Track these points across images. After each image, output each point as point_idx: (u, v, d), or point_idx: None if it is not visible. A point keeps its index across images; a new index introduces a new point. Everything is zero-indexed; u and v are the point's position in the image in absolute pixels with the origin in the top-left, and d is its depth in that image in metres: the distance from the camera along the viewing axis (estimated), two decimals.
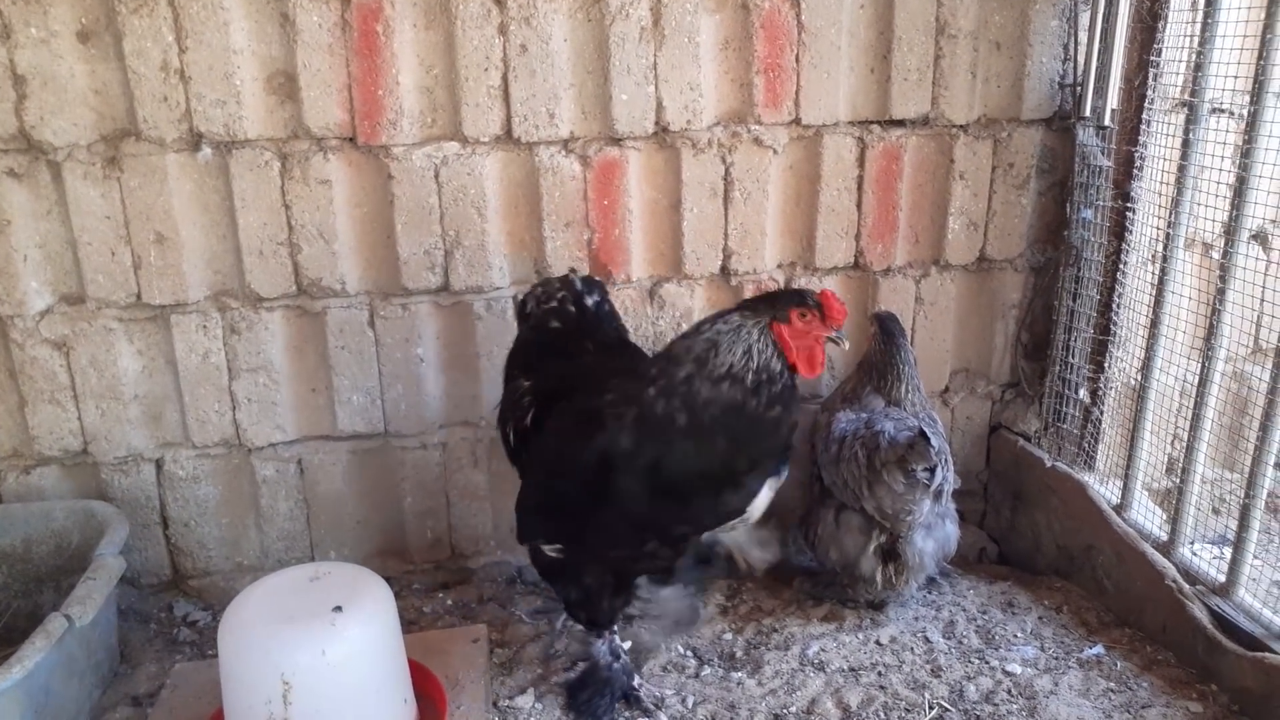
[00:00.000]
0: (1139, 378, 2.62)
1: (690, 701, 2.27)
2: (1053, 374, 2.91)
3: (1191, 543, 2.51)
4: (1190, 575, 2.41)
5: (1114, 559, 2.58)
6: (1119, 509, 2.64)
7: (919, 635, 2.53)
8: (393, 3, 2.45)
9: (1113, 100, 2.59)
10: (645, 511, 1.93)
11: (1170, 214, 2.45)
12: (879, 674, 2.37)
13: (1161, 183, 2.52)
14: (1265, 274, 2.57)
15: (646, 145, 2.67)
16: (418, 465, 2.83)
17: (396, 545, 2.87)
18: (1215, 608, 2.30)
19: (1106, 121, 2.60)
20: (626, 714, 2.25)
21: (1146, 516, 2.60)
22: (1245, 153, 2.18)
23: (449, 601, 2.82)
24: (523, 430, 2.27)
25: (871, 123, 2.74)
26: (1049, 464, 2.83)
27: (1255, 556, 2.34)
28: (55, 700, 2.16)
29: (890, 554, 2.51)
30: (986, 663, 2.41)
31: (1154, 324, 2.54)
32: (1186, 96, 2.40)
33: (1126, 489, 2.65)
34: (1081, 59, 2.68)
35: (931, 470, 2.36)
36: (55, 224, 2.52)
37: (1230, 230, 2.26)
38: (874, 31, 2.67)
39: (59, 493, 2.72)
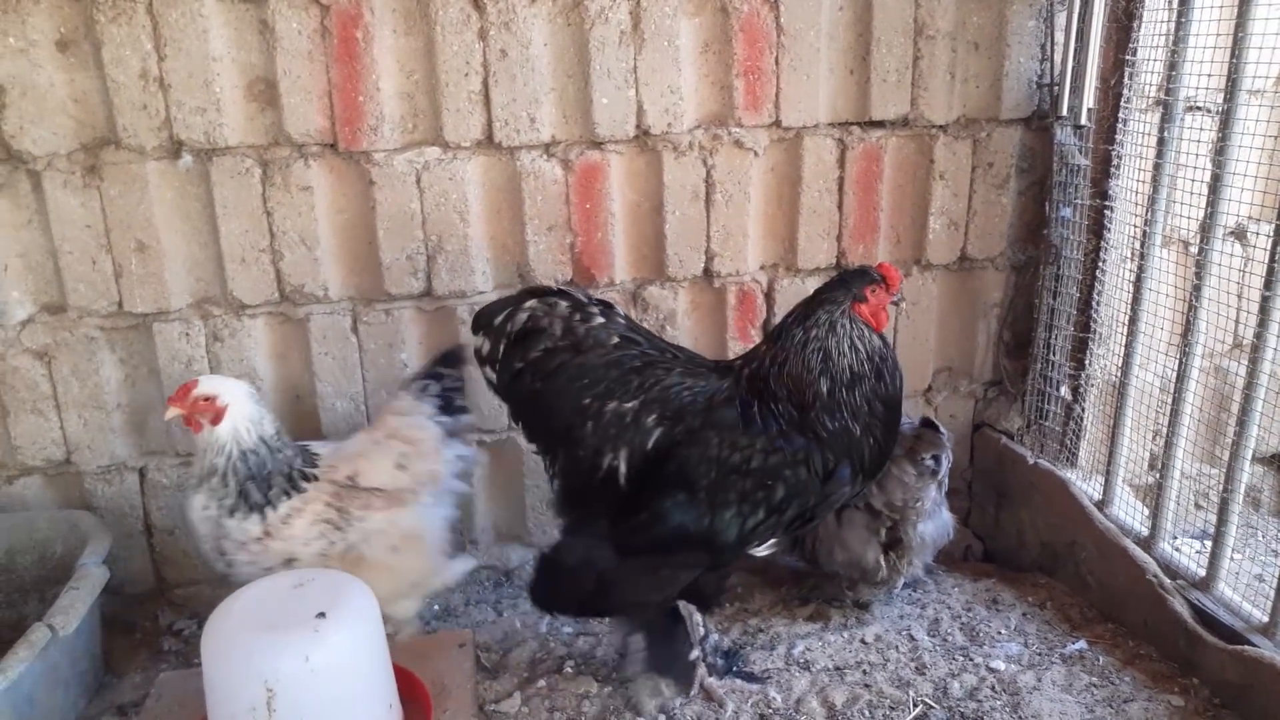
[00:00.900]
0: (1119, 374, 2.64)
1: (677, 700, 2.28)
2: (1034, 372, 2.93)
3: (1173, 538, 2.53)
4: (1171, 570, 2.43)
5: (1096, 555, 2.60)
6: (1101, 505, 2.66)
7: (904, 634, 2.54)
8: (372, 9, 2.45)
9: (1089, 99, 2.61)
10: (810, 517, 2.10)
11: (1148, 211, 2.48)
12: (864, 672, 2.38)
13: (1139, 180, 2.55)
14: (1243, 270, 2.61)
15: (628, 148, 2.68)
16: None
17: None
18: (1196, 602, 2.32)
19: (1083, 120, 2.62)
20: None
21: (1128, 512, 2.62)
22: (1220, 150, 2.21)
23: (435, 606, 2.82)
24: (642, 458, 2.07)
25: (851, 124, 2.76)
26: (1032, 461, 2.85)
27: (1235, 551, 2.36)
28: (40, 710, 2.15)
29: (891, 543, 2.55)
30: (971, 660, 2.42)
31: (1133, 321, 2.56)
32: (1162, 95, 2.42)
33: (1108, 485, 2.67)
34: (1058, 59, 2.71)
35: (938, 458, 2.44)
36: (35, 233, 2.52)
37: (1207, 227, 2.28)
38: (853, 33, 2.69)
39: (42, 503, 2.71)
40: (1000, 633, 2.54)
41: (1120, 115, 2.57)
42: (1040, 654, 2.43)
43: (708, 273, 2.82)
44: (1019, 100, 2.80)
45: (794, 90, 2.68)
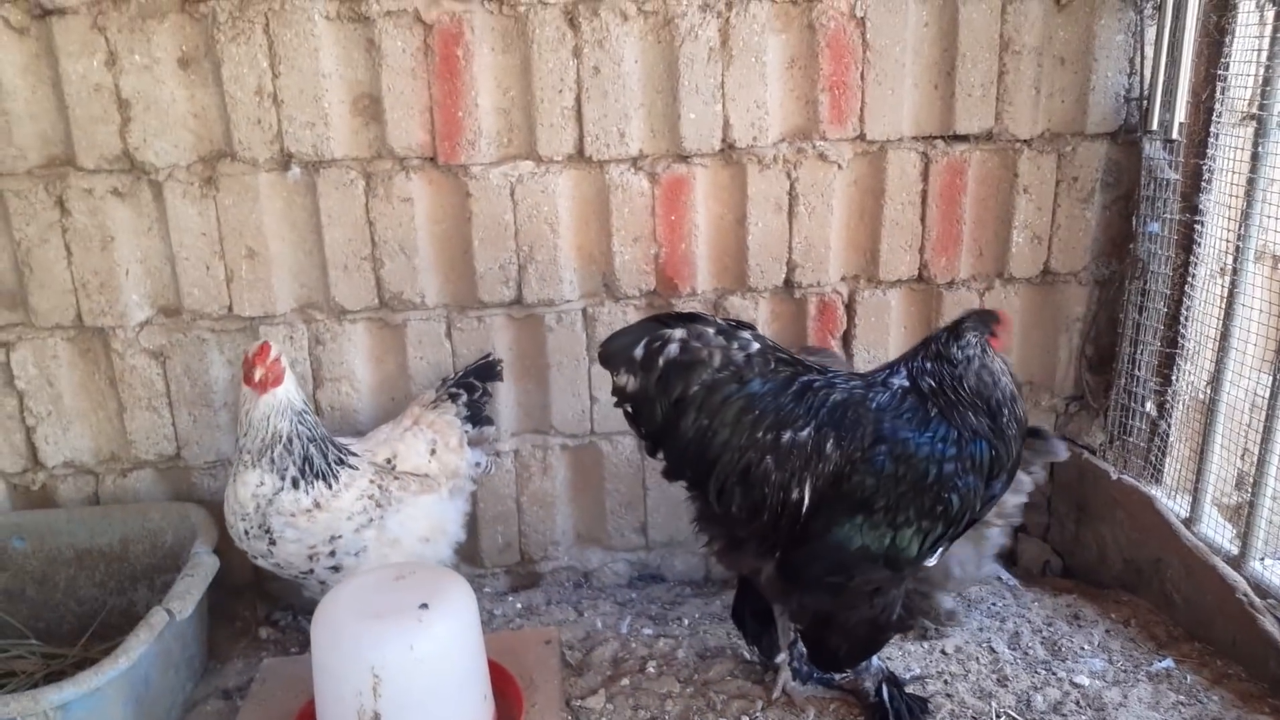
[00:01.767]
0: (1208, 391, 2.61)
1: (759, 705, 2.32)
2: (1118, 387, 2.91)
3: (1262, 559, 2.49)
4: (1262, 589, 2.39)
5: (1183, 572, 2.57)
6: (1188, 523, 2.63)
7: (984, 645, 2.55)
8: (472, 28, 2.56)
9: (1180, 113, 2.60)
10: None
11: (1240, 226, 2.45)
12: (945, 682, 2.39)
13: (1230, 195, 2.53)
14: None
15: (713, 162, 2.75)
16: (494, 466, 2.92)
17: (468, 549, 2.95)
18: None
19: (1174, 135, 2.61)
20: None
21: (1216, 530, 2.59)
22: None
23: (519, 604, 2.91)
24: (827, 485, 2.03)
25: (935, 138, 2.78)
26: (1115, 477, 2.83)
27: None
28: (154, 691, 2.28)
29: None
30: (1054, 674, 2.42)
31: (1224, 337, 2.54)
32: (1255, 109, 2.40)
33: (1196, 502, 2.64)
34: (1148, 73, 2.69)
35: (1050, 465, 2.59)
36: (155, 240, 2.68)
37: None
38: (938, 49, 2.72)
39: (153, 495, 2.86)
40: (1083, 648, 2.52)
41: (1212, 130, 2.55)
42: (1126, 671, 2.42)
43: (788, 283, 2.87)
44: (1105, 115, 2.79)
45: (878, 104, 2.72)
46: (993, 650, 2.52)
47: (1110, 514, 2.86)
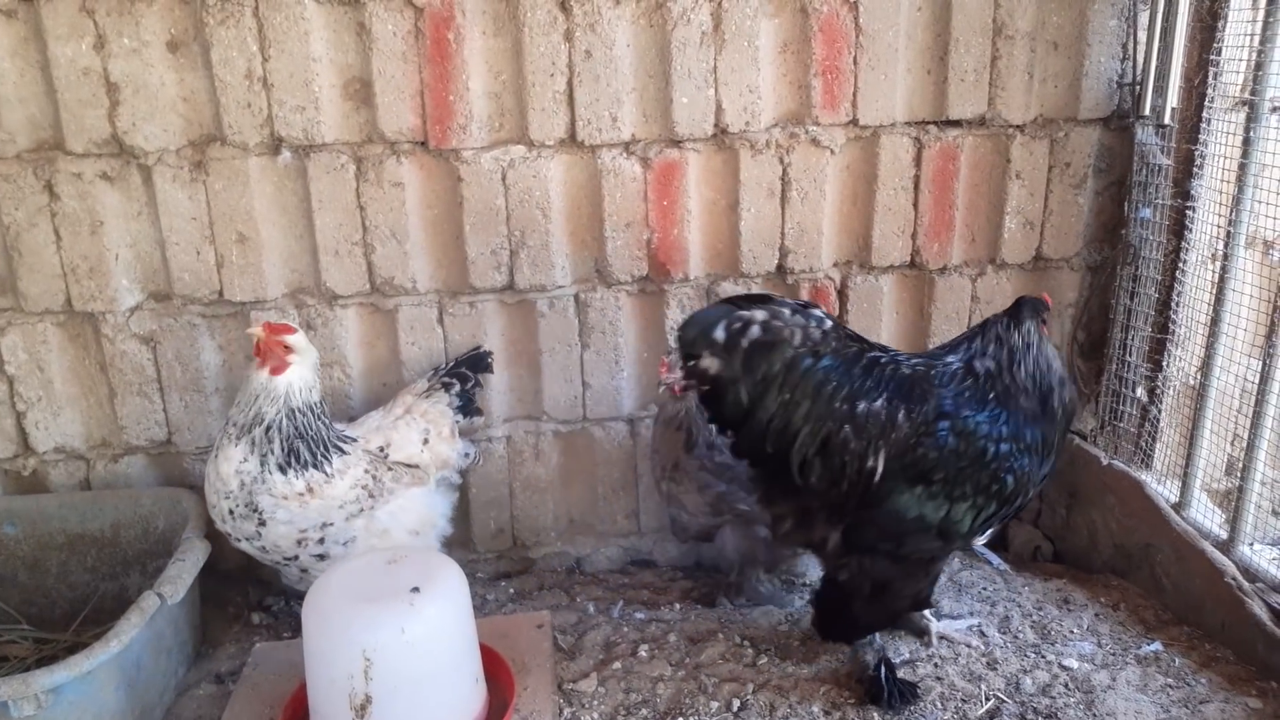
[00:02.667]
0: (1198, 377, 2.62)
1: (749, 688, 2.33)
2: (1109, 373, 2.92)
3: (1251, 543, 2.50)
4: (1250, 573, 2.41)
5: (1173, 557, 2.58)
6: (1177, 508, 2.64)
7: (974, 629, 2.56)
8: (464, 11, 2.55)
9: (1173, 99, 2.60)
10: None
11: (1231, 212, 2.46)
12: (935, 665, 2.40)
13: (1222, 181, 2.53)
14: None
15: (706, 147, 2.74)
16: (482, 457, 2.92)
17: (461, 534, 2.96)
18: (1276, 605, 2.30)
19: (1166, 120, 2.61)
20: None
21: (1206, 515, 2.60)
22: None
23: (511, 590, 2.91)
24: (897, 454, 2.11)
25: (928, 123, 2.78)
26: (1105, 462, 2.84)
27: None
28: (146, 674, 2.28)
29: None
30: (1043, 657, 2.43)
31: (1214, 323, 2.54)
32: (1247, 95, 2.40)
33: (1185, 488, 2.65)
34: (1141, 58, 2.69)
35: None
36: (145, 225, 2.66)
37: None
38: (931, 34, 2.71)
39: (144, 481, 2.86)
40: (1073, 632, 2.54)
41: (1204, 115, 2.55)
42: (1114, 654, 2.43)
43: (781, 269, 2.86)
44: (1098, 100, 2.79)
45: (871, 89, 2.72)
46: (983, 634, 2.53)
47: (1101, 499, 2.87)
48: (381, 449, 2.55)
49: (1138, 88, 2.71)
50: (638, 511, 3.05)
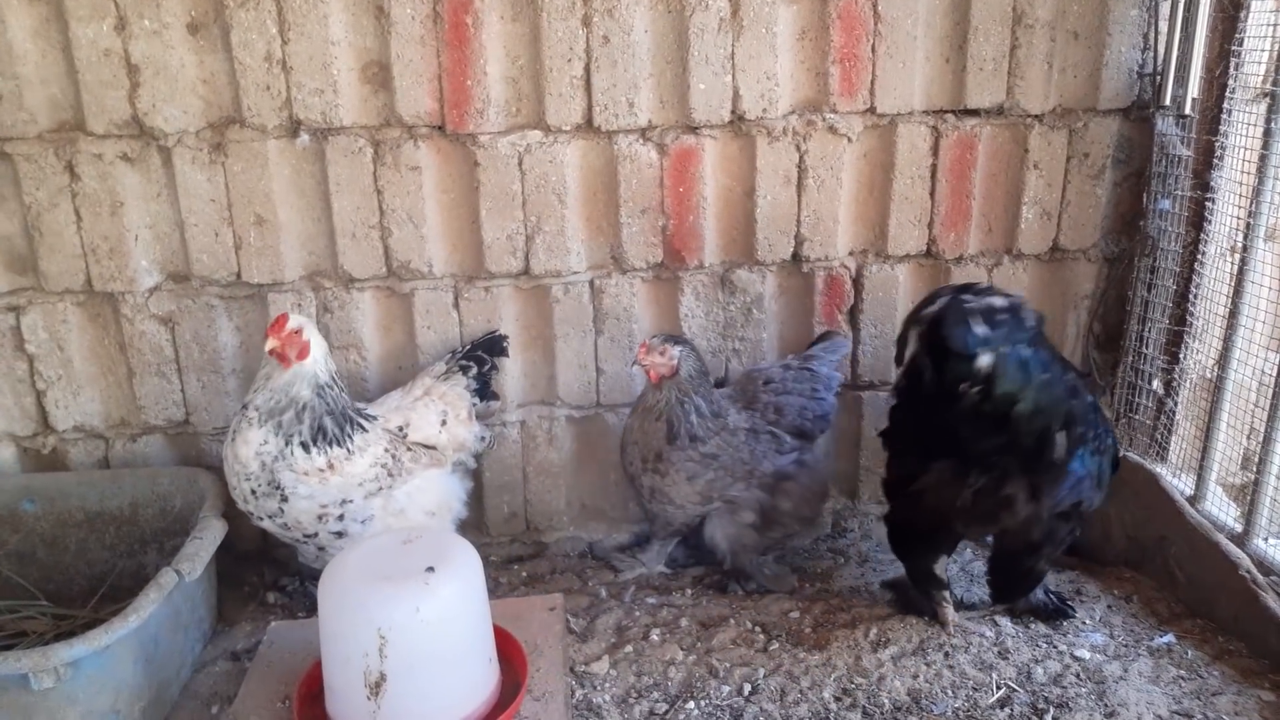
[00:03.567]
0: (1215, 370, 2.60)
1: (761, 673, 2.34)
2: (1125, 365, 2.91)
3: (1266, 537, 2.49)
4: (1265, 567, 2.40)
5: (1187, 550, 2.57)
6: (1192, 501, 2.63)
7: (986, 619, 2.56)
8: None
9: (1193, 89, 2.58)
10: None
11: (1251, 204, 2.44)
12: (946, 654, 2.41)
13: (1242, 172, 2.51)
14: None
15: (722, 133, 2.74)
16: (496, 441, 2.94)
17: (474, 518, 2.98)
18: None
19: (1187, 110, 2.59)
20: None
21: (1221, 509, 2.59)
22: None
23: (524, 574, 2.93)
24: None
25: (946, 112, 2.77)
26: (1120, 454, 2.82)
27: None
28: (163, 650, 2.31)
29: None
30: (1055, 647, 2.43)
31: (1232, 315, 2.53)
32: (1269, 86, 2.38)
33: (1201, 481, 2.64)
34: (1162, 48, 2.67)
35: None
36: (164, 206, 2.68)
37: None
38: (950, 21, 2.70)
39: (162, 460, 2.89)
40: (1085, 623, 2.53)
41: (1225, 106, 2.53)
42: (1126, 645, 2.43)
43: (796, 257, 2.86)
44: (1118, 90, 2.77)
45: (889, 77, 2.71)
46: (995, 624, 2.53)
47: (1115, 492, 2.84)
48: (400, 429, 2.57)
49: (1158, 78, 2.69)
50: None
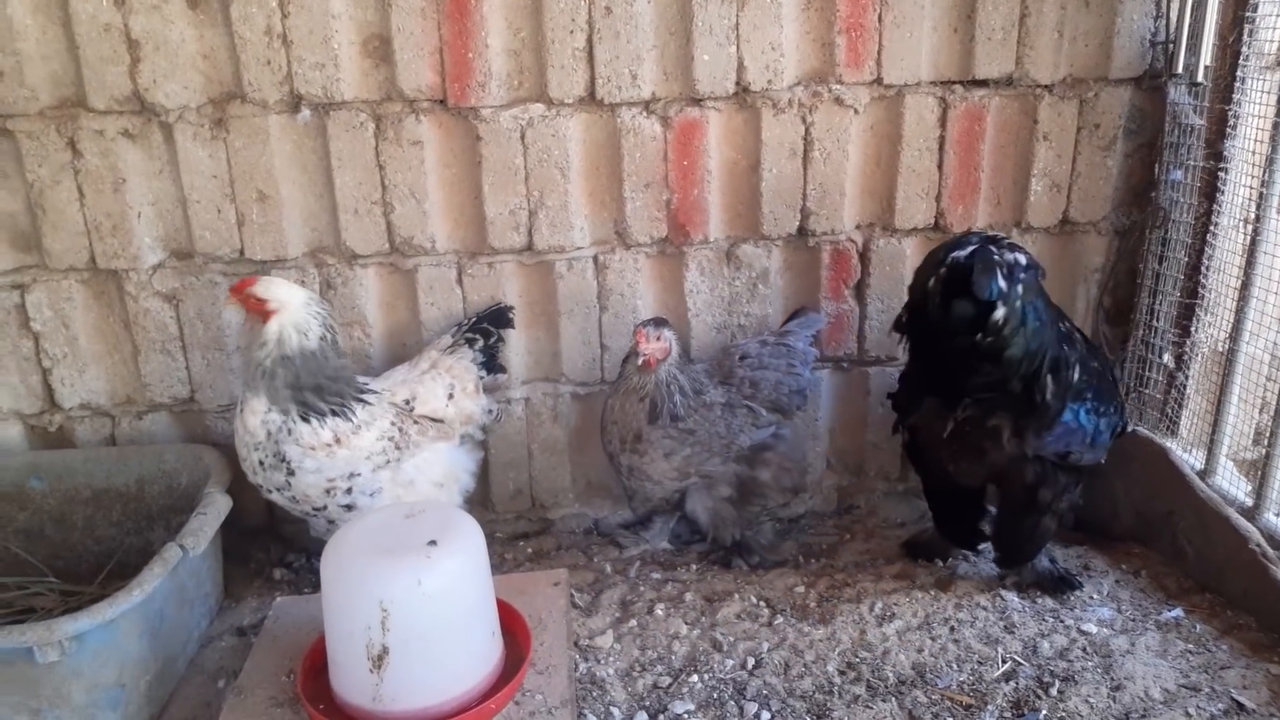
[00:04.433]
0: (1227, 343, 2.57)
1: (765, 647, 2.33)
2: (1135, 339, 2.87)
3: (1277, 512, 2.47)
4: (1275, 540, 2.37)
5: (1196, 524, 2.55)
6: (1203, 475, 2.61)
7: (992, 594, 2.55)
8: None
9: (1206, 57, 2.53)
10: None
11: (1265, 174, 2.40)
12: (951, 628, 2.40)
13: (1256, 141, 2.47)
14: None
15: (727, 106, 2.71)
16: (504, 414, 2.93)
17: (480, 494, 2.98)
18: None
19: (1200, 79, 2.55)
20: None
21: (1231, 483, 2.57)
22: None
23: (529, 550, 2.93)
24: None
25: (954, 83, 2.73)
26: (1130, 429, 2.80)
27: None
28: (169, 625, 2.32)
29: None
30: (1061, 622, 2.41)
31: (1245, 288, 2.49)
32: None
33: (1211, 455, 2.61)
34: (1174, 15, 2.62)
35: None
36: (166, 183, 2.67)
37: None
38: None
39: (168, 438, 2.90)
40: (1092, 597, 2.52)
41: (1238, 74, 2.49)
42: (1134, 620, 2.41)
43: (802, 231, 2.84)
44: (1130, 59, 2.72)
45: (896, 47, 2.67)
46: (1001, 598, 2.52)
47: (1124, 466, 2.83)
48: (407, 402, 2.57)
49: (1170, 46, 2.64)
50: None
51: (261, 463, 2.39)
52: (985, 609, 2.48)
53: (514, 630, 2.24)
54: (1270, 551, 2.33)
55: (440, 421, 2.61)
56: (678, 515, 2.87)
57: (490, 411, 2.77)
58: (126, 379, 2.84)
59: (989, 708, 2.12)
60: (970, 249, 2.21)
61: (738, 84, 2.67)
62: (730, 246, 2.86)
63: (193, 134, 2.61)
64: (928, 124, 2.74)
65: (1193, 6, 2.55)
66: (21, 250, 2.71)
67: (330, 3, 2.52)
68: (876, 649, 2.32)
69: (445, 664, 1.98)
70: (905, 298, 2.85)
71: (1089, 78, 2.74)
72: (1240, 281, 2.51)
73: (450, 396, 2.62)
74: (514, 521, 3.07)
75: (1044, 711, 2.09)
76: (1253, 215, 2.47)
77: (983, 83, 2.73)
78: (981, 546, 2.71)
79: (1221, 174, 2.56)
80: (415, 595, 1.92)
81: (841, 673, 2.24)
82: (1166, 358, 2.78)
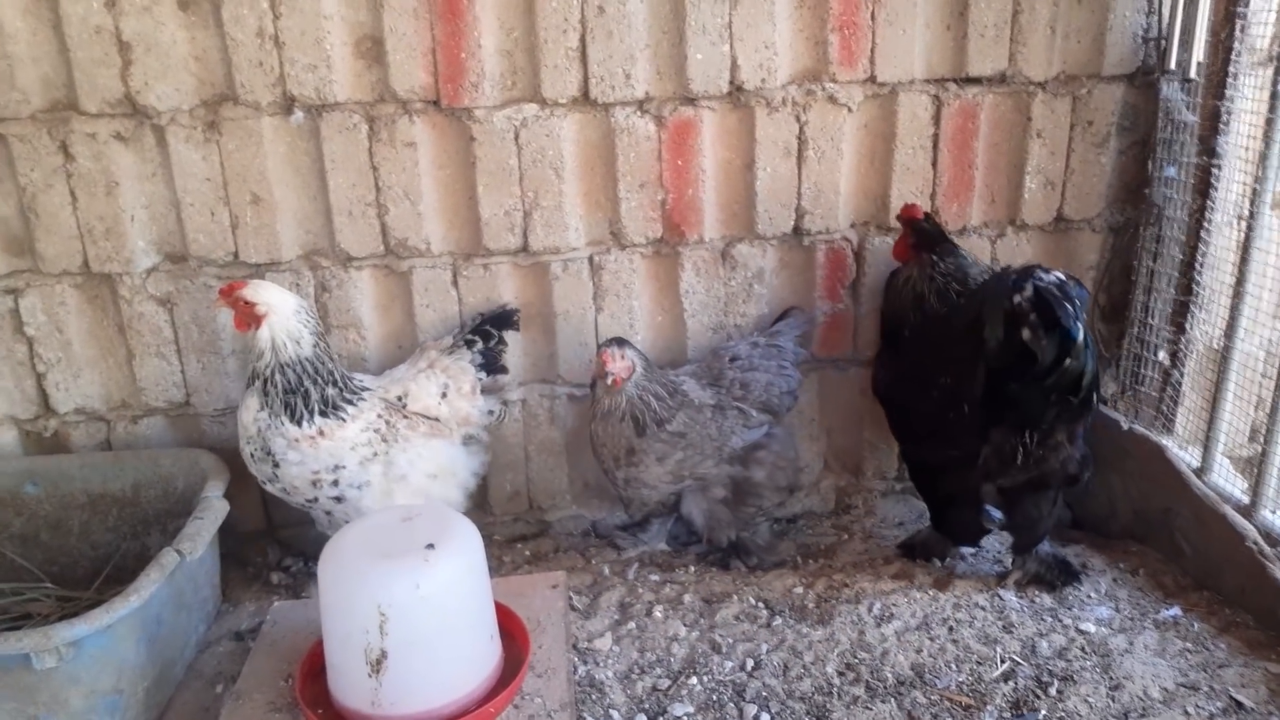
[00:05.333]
0: (1222, 340, 2.57)
1: (764, 648, 2.33)
2: (1131, 336, 2.88)
3: (1273, 509, 2.47)
4: (1272, 538, 2.38)
5: (1193, 522, 2.55)
6: (1199, 473, 2.61)
7: (990, 593, 2.55)
8: None
9: (1199, 53, 2.54)
10: None
11: (1258, 170, 2.40)
12: (950, 629, 2.40)
13: (1249, 138, 2.47)
14: None
15: (721, 105, 2.70)
16: (506, 415, 2.91)
17: (478, 497, 2.97)
18: None
19: (1192, 75, 2.55)
20: None
21: (1227, 480, 2.57)
22: None
23: (527, 552, 2.92)
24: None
25: (947, 80, 2.73)
26: (1125, 427, 2.80)
27: None
28: (166, 630, 2.31)
29: None
30: (1060, 621, 2.42)
31: (1239, 285, 2.50)
32: (1276, 49, 2.34)
33: (1207, 453, 2.62)
34: (1166, 12, 2.63)
35: None
36: (159, 186, 2.66)
37: None
38: None
39: (164, 442, 2.89)
40: (1090, 596, 2.52)
41: (1230, 70, 2.49)
42: (1132, 619, 2.41)
43: (797, 230, 2.83)
44: (1122, 56, 2.73)
45: (889, 46, 2.67)
46: (999, 598, 2.52)
47: (1120, 464, 2.84)
48: (400, 398, 2.59)
49: (1163, 42, 2.65)
50: None
51: (253, 455, 2.43)
52: (984, 609, 2.48)
53: (513, 633, 2.24)
54: (1267, 549, 2.33)
55: (435, 420, 2.60)
56: (675, 516, 2.87)
57: (491, 412, 2.76)
58: (121, 383, 2.83)
59: (988, 708, 2.12)
60: (1049, 284, 2.22)
61: (731, 83, 2.66)
62: (725, 246, 2.85)
63: (185, 136, 2.60)
64: (921, 122, 2.74)
65: (1185, 3, 2.55)
66: (14, 254, 2.70)
67: (322, 4, 2.51)
68: (875, 650, 2.32)
69: (444, 668, 1.98)
70: None
71: (1082, 74, 2.74)
72: (1235, 278, 2.51)
73: (444, 395, 2.62)
74: (512, 524, 3.07)
75: (1043, 711, 2.10)
76: (1246, 211, 2.48)
77: (976, 80, 2.73)
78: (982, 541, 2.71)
79: (1215, 170, 2.56)
80: (413, 599, 1.92)
81: (840, 674, 2.24)
82: (1162, 355, 2.78)
